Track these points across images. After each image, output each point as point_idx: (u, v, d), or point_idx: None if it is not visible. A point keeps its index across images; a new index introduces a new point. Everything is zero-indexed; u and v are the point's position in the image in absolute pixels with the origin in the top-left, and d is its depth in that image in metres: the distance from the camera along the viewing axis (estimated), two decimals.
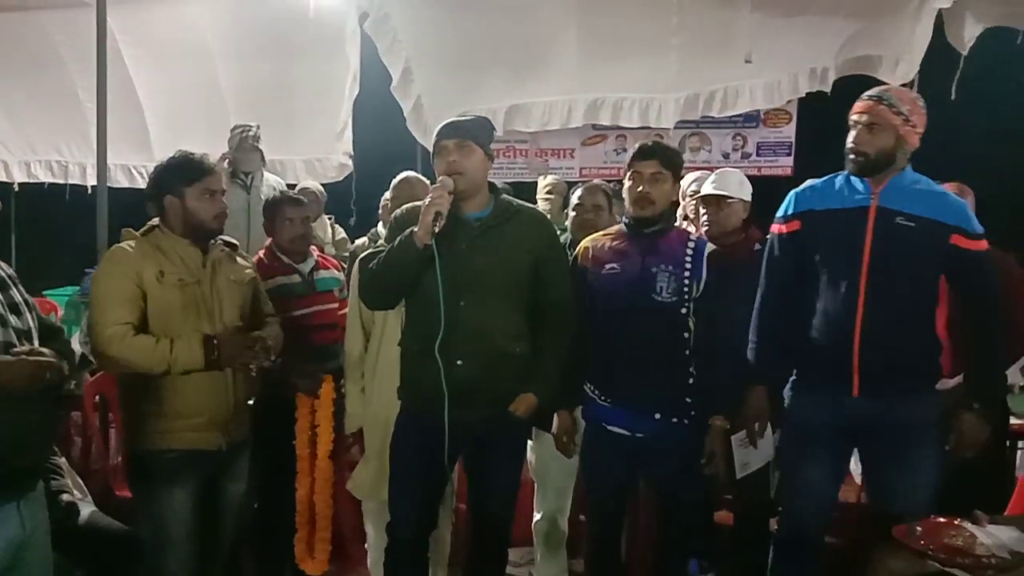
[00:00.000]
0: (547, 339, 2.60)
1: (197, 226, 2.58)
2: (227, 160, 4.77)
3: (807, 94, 5.00)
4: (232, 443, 2.64)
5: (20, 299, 2.09)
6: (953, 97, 4.34)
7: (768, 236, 2.72)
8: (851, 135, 2.50)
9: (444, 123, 2.55)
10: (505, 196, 2.64)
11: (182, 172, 2.59)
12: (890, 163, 2.49)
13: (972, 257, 2.46)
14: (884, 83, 4.65)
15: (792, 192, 2.69)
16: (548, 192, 4.72)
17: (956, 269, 2.50)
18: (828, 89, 4.87)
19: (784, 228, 2.65)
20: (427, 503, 2.65)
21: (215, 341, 2.49)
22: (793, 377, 2.64)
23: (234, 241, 2.81)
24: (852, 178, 2.56)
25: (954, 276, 2.53)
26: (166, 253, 2.55)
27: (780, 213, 2.68)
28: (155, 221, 2.62)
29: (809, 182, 2.68)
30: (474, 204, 2.55)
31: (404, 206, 2.67)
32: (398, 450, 2.65)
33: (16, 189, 6.47)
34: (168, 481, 2.52)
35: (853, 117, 2.51)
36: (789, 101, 6.30)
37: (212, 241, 2.66)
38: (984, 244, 2.50)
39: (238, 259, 2.77)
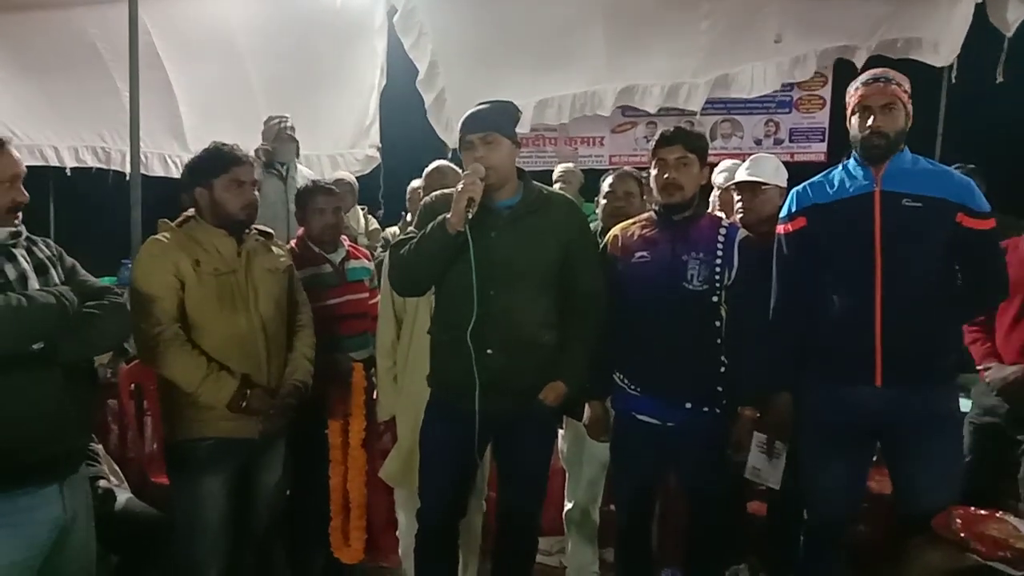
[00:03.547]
0: (577, 327, 2.58)
1: (226, 217, 2.60)
2: (263, 151, 4.80)
3: (842, 82, 4.92)
4: (267, 432, 2.65)
5: (57, 281, 2.13)
6: (1000, 80, 4.24)
7: (776, 237, 2.67)
8: (868, 120, 2.45)
9: (467, 115, 2.51)
10: (535, 183, 2.61)
11: (211, 163, 2.61)
12: (902, 142, 2.47)
13: (976, 236, 2.42)
14: (925, 64, 4.61)
15: (793, 191, 2.67)
16: (560, 179, 4.70)
17: (961, 248, 2.45)
18: (860, 64, 4.81)
19: (790, 227, 2.62)
20: (457, 490, 2.65)
21: (248, 392, 2.53)
22: (809, 373, 2.59)
23: (268, 230, 2.83)
24: (852, 167, 2.53)
25: (959, 256, 2.47)
26: (201, 243, 2.58)
27: (784, 213, 2.66)
28: (191, 212, 2.65)
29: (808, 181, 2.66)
30: (503, 192, 2.53)
31: (433, 193, 2.67)
32: (428, 437, 2.66)
33: (69, 174, 6.59)
34: (203, 469, 2.55)
35: (864, 103, 2.46)
36: (823, 86, 6.24)
37: (247, 231, 2.68)
38: (990, 223, 2.44)
39: (273, 248, 2.78)
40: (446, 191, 2.54)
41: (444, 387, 2.62)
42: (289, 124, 4.82)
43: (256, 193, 2.67)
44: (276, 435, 2.73)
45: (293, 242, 3.21)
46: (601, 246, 2.76)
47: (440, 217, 2.43)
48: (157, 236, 2.59)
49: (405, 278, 2.60)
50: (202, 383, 2.47)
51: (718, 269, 2.55)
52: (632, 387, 2.64)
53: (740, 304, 2.57)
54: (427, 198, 2.66)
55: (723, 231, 2.61)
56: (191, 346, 2.50)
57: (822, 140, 6.45)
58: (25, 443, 2.00)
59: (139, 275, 2.53)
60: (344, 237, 3.31)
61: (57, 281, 2.13)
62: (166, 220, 2.64)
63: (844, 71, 4.92)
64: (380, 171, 5.95)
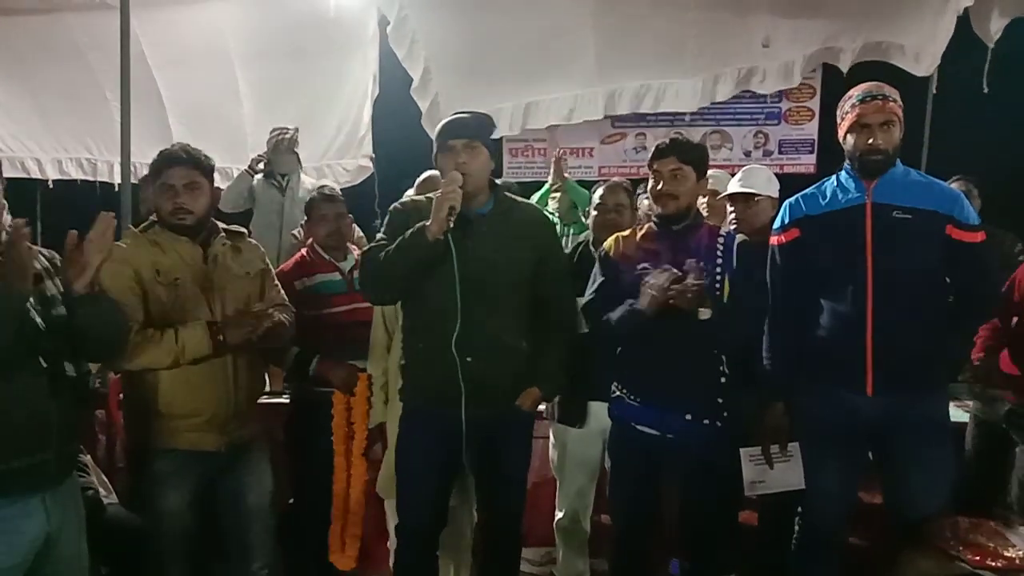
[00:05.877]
0: (549, 334, 2.62)
1: (163, 223, 2.56)
2: (262, 162, 4.82)
3: (831, 93, 5.00)
4: (234, 444, 2.61)
5: (54, 292, 2.09)
6: (986, 90, 4.29)
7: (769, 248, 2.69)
8: (867, 138, 2.46)
9: (448, 120, 2.54)
10: (504, 192, 2.64)
11: (152, 168, 2.59)
12: (897, 156, 2.49)
13: (965, 248, 2.44)
14: (903, 70, 4.67)
15: (786, 202, 2.69)
16: (556, 190, 4.73)
17: (951, 261, 2.46)
18: (845, 68, 4.86)
19: (783, 238, 2.64)
20: (437, 500, 2.64)
21: (217, 326, 2.49)
22: (804, 377, 2.60)
23: (240, 229, 2.78)
24: (844, 179, 2.56)
25: (949, 268, 2.49)
26: (163, 248, 2.54)
27: (777, 224, 2.68)
28: (154, 216, 2.61)
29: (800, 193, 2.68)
30: (476, 201, 2.55)
31: (401, 200, 2.69)
32: (406, 448, 2.65)
33: (51, 186, 6.53)
34: (165, 481, 2.52)
35: (863, 121, 2.46)
36: (812, 97, 6.27)
37: (213, 235, 2.63)
38: (979, 236, 2.46)
39: (244, 251, 2.72)
40: (416, 198, 2.58)
41: (426, 396, 2.61)
42: (289, 136, 4.82)
43: (191, 196, 2.55)
44: (246, 448, 2.67)
45: (304, 250, 3.23)
46: (603, 253, 2.74)
47: (418, 225, 2.43)
48: (119, 242, 2.54)
49: (382, 286, 2.58)
50: (179, 345, 2.43)
51: (719, 277, 2.56)
52: (631, 397, 2.64)
53: (741, 304, 2.55)
54: (395, 204, 2.67)
55: (722, 239, 2.62)
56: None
57: (811, 152, 6.47)
58: (3, 452, 1.95)
59: (103, 280, 2.48)
60: (352, 246, 3.31)
61: (55, 292, 2.09)
62: (130, 226, 2.60)
63: (833, 83, 4.97)
64: (375, 181, 5.95)
